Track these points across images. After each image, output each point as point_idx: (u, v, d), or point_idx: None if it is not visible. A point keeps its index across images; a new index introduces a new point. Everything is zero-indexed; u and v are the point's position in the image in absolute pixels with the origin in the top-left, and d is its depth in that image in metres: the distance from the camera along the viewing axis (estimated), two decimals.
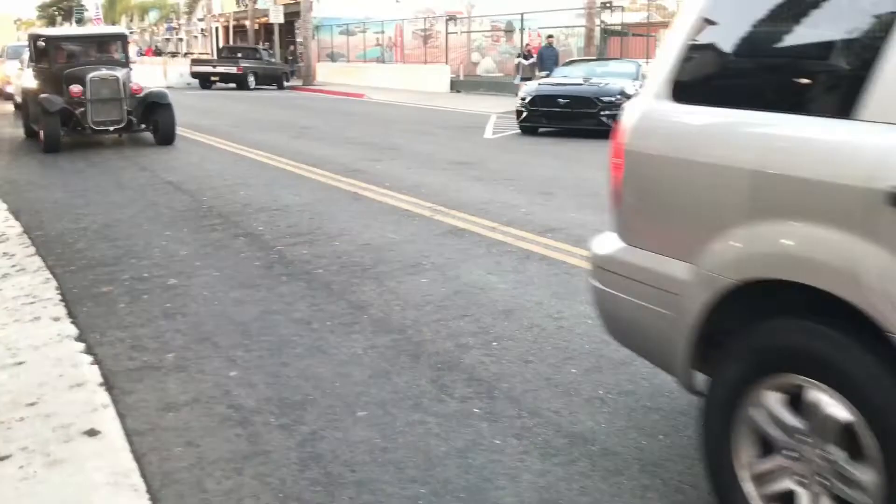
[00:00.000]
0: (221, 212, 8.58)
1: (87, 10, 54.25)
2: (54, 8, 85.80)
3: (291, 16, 43.53)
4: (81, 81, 13.59)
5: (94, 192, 10.01)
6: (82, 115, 13.63)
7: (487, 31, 36.34)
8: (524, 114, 16.14)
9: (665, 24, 30.82)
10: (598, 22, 27.91)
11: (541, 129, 16.34)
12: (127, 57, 15.42)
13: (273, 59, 38.88)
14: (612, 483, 3.24)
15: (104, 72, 13.79)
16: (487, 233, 7.48)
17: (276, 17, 41.00)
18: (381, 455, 3.45)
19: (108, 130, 13.92)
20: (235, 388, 4.16)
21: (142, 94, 14.15)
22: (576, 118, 15.59)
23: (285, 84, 37.52)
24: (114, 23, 62.00)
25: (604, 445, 3.53)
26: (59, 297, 5.67)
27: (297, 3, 41.36)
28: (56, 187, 10.30)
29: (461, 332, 4.90)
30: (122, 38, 15.76)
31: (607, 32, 28.40)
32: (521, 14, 29.72)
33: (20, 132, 16.12)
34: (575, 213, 8.30)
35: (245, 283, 6.00)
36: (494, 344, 4.72)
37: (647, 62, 20.81)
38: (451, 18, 35.35)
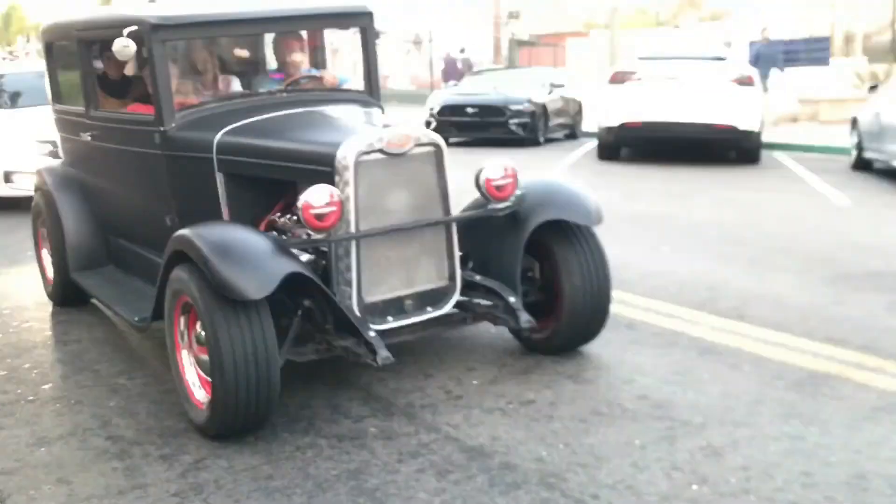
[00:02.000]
0: None
1: None
2: None
3: None
4: (327, 167, 3.78)
5: None
6: (325, 277, 3.80)
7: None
8: (433, 124, 16.03)
9: (573, 34, 31.22)
10: (509, 33, 28.09)
11: (451, 140, 16.27)
12: (375, 76, 5.38)
13: None
14: (511, 498, 3.11)
15: (399, 132, 3.98)
16: None
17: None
18: (267, 483, 3.25)
19: (402, 329, 3.95)
20: (115, 417, 3.90)
21: (511, 199, 4.34)
22: (485, 127, 15.56)
23: None
24: (8, 45, 54.94)
25: (503, 459, 3.40)
26: None
27: None
28: None
29: None
30: (366, 21, 5.20)
31: (517, 43, 28.57)
32: (430, 31, 29.67)
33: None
34: None
35: None
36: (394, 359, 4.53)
37: (554, 70, 21.04)
38: None
